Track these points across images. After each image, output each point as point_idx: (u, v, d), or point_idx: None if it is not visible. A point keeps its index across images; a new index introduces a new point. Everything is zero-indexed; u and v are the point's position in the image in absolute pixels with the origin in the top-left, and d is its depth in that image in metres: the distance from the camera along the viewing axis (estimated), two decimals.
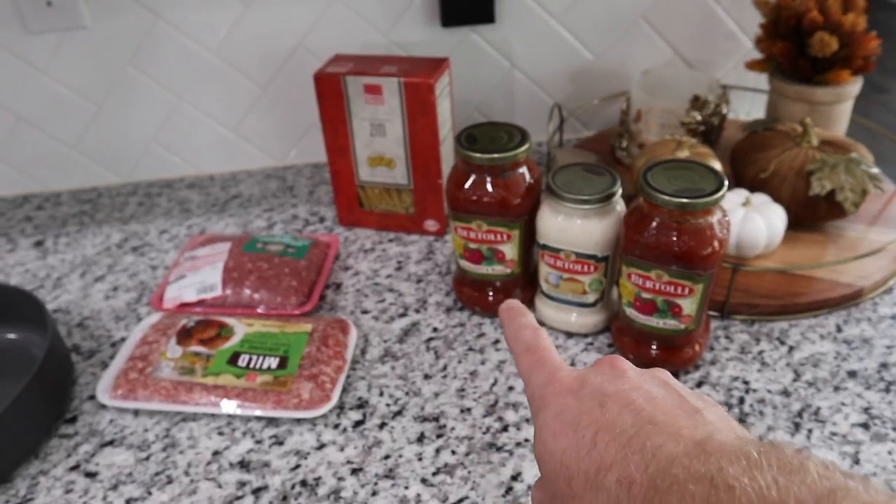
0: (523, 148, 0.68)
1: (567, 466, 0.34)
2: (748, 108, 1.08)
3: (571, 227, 0.67)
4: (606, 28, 0.99)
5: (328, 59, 0.93)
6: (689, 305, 0.63)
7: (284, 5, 0.95)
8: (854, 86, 0.88)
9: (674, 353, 0.67)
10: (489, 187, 0.68)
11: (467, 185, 0.69)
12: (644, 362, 0.68)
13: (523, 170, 0.69)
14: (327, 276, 0.82)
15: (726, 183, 0.61)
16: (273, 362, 0.68)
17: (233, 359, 0.69)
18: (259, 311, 0.77)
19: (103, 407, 0.69)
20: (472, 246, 0.72)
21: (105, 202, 1.03)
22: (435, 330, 0.75)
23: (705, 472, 0.28)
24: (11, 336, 0.76)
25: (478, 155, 0.67)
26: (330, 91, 0.82)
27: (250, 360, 0.69)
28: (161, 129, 1.03)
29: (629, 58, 1.02)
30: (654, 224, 0.62)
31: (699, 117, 0.88)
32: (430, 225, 0.88)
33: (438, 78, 0.79)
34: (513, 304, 0.45)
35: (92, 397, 0.70)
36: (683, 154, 0.81)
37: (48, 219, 1.00)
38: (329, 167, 0.88)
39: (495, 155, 0.67)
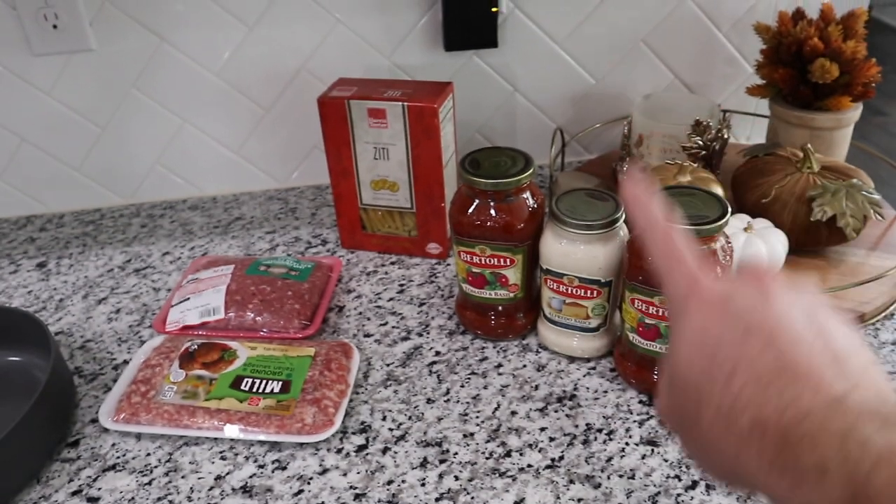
0: (527, 173, 0.68)
1: (700, 392, 0.33)
2: (749, 132, 1.09)
3: (575, 252, 0.67)
4: (608, 52, 1.00)
5: (332, 82, 0.94)
6: None
7: (288, 28, 0.96)
8: (854, 112, 0.89)
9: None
10: (493, 212, 0.69)
11: (471, 210, 0.69)
12: (647, 388, 0.68)
13: (527, 195, 0.70)
14: (330, 299, 0.82)
15: (729, 210, 0.61)
16: (276, 386, 0.68)
17: (236, 382, 0.69)
18: (262, 334, 0.77)
19: (105, 430, 0.68)
20: (476, 270, 0.72)
21: (108, 223, 1.03)
22: (437, 353, 0.75)
23: (839, 428, 0.28)
24: (14, 358, 0.76)
25: (481, 180, 0.68)
26: (334, 115, 0.82)
27: (253, 383, 0.69)
28: (164, 151, 1.03)
29: (630, 82, 1.03)
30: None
31: (700, 142, 0.89)
32: (433, 248, 0.88)
33: (442, 102, 0.80)
34: (637, 193, 0.40)
35: (94, 421, 0.70)
36: (685, 179, 0.82)
37: (51, 240, 1.00)
38: (332, 190, 0.88)
39: (499, 180, 0.67)
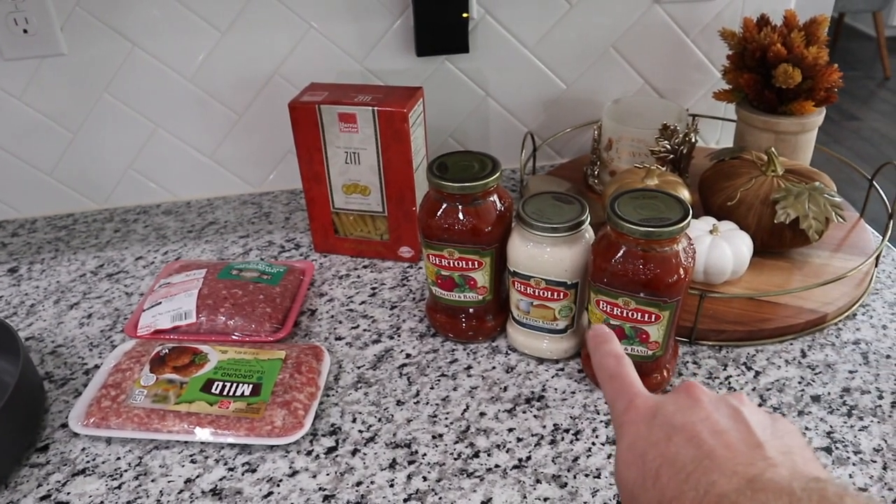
0: (494, 177, 0.69)
1: (635, 497, 0.37)
2: (718, 136, 1.11)
3: (541, 254, 0.68)
4: (578, 58, 1.02)
5: (304, 87, 0.95)
6: (656, 332, 0.65)
7: (261, 33, 0.96)
8: (818, 116, 0.91)
9: (642, 379, 0.68)
10: (461, 216, 0.69)
11: (439, 214, 0.70)
12: None
13: (494, 198, 0.71)
14: (302, 302, 0.83)
15: (691, 212, 0.62)
16: (246, 389, 0.68)
17: (206, 386, 0.69)
18: (233, 337, 0.77)
19: (75, 435, 0.68)
20: (445, 273, 0.73)
21: (81, 228, 1.03)
22: (408, 356, 0.76)
23: None
24: None
25: (449, 184, 0.68)
26: (305, 120, 0.83)
27: (224, 387, 0.69)
28: (138, 156, 1.03)
29: (601, 87, 1.05)
30: (621, 252, 0.63)
31: (668, 146, 0.90)
32: (405, 252, 0.89)
33: (412, 107, 0.81)
34: (599, 331, 0.46)
35: (64, 425, 0.69)
36: (653, 182, 0.83)
37: (23, 245, 1.00)
38: (304, 194, 0.89)
39: (466, 184, 0.68)
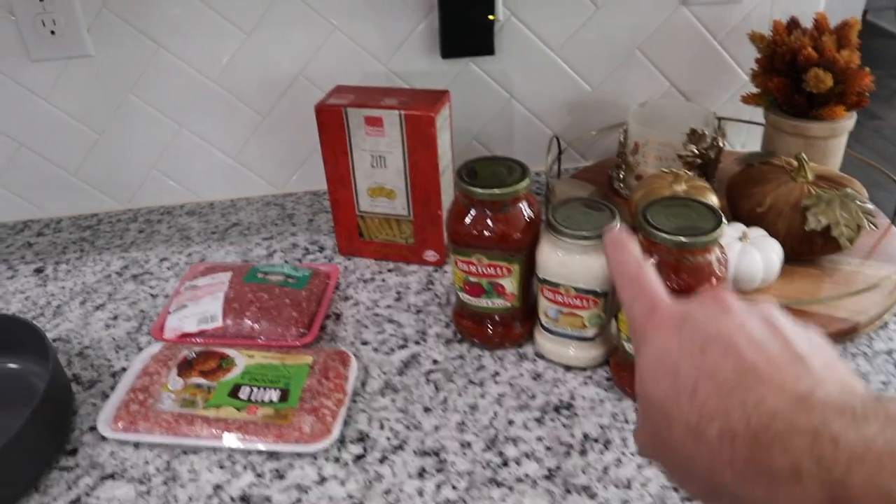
0: (523, 183, 0.68)
1: (667, 413, 0.34)
2: (744, 139, 1.10)
3: (571, 262, 0.67)
4: (604, 60, 1.01)
5: (329, 89, 0.95)
6: None
7: (285, 34, 0.96)
8: (849, 121, 0.89)
9: None
10: (489, 222, 0.69)
11: (467, 220, 0.70)
12: None
13: (523, 204, 0.70)
14: (327, 306, 0.82)
15: (725, 221, 0.62)
16: (274, 395, 0.68)
17: (234, 391, 0.69)
18: (259, 342, 0.77)
19: (104, 439, 0.68)
20: (473, 279, 0.72)
21: (105, 229, 1.03)
22: (435, 362, 0.76)
23: (808, 425, 0.28)
24: (12, 366, 0.76)
25: (478, 190, 0.68)
26: (331, 122, 0.83)
27: (251, 392, 0.69)
28: (162, 156, 1.04)
29: (626, 89, 1.04)
30: (652, 261, 0.62)
31: (696, 150, 0.89)
32: (430, 255, 0.89)
33: (439, 111, 0.80)
34: (618, 236, 0.43)
35: (93, 429, 0.70)
36: (680, 188, 0.82)
37: (48, 245, 1.00)
38: (329, 197, 0.88)
39: (495, 190, 0.68)
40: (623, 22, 0.98)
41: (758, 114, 1.00)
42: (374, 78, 0.99)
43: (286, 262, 0.92)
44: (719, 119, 0.96)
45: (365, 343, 0.79)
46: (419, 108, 0.80)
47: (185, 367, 0.72)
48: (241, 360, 0.73)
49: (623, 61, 1.01)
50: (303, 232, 0.99)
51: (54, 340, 0.83)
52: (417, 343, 0.78)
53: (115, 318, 0.85)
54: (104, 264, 0.95)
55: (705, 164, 0.91)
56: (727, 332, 0.34)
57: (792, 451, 0.28)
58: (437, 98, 0.82)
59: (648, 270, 0.41)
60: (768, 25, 1.00)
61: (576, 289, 0.68)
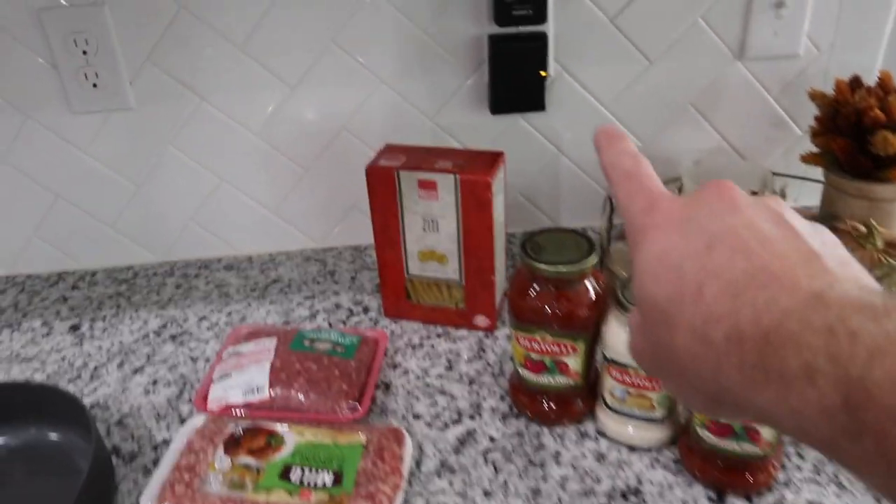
0: (591, 259, 0.65)
1: (670, 316, 0.31)
2: (796, 194, 1.06)
3: None
4: (655, 115, 0.98)
5: (373, 143, 0.93)
6: (769, 431, 0.61)
7: (330, 88, 0.94)
8: None
9: (744, 476, 0.64)
10: (555, 299, 0.66)
11: (532, 295, 0.67)
12: (715, 483, 0.65)
13: (590, 280, 0.67)
14: (377, 376, 0.79)
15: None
16: (327, 478, 0.65)
17: (284, 472, 0.66)
18: (308, 415, 0.74)
19: None
20: (535, 357, 0.69)
21: (142, 283, 1.01)
22: (492, 440, 0.72)
23: (824, 322, 0.25)
24: (53, 437, 0.74)
25: (544, 267, 0.65)
26: (382, 184, 0.80)
27: (303, 474, 0.66)
28: (200, 209, 1.01)
29: (677, 144, 1.01)
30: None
31: None
32: (481, 321, 0.85)
33: (495, 174, 0.77)
34: (610, 129, 0.40)
35: None
36: None
37: (83, 300, 0.98)
38: (377, 259, 0.86)
39: (562, 268, 0.65)
40: (676, 76, 0.95)
41: (812, 170, 0.96)
42: (420, 132, 0.96)
43: (330, 324, 0.89)
44: (774, 174, 0.93)
45: (417, 417, 0.75)
46: (475, 171, 0.77)
47: (233, 445, 0.69)
48: (291, 437, 0.70)
49: (675, 116, 0.99)
50: (346, 291, 0.96)
51: (92, 407, 0.80)
52: (472, 418, 0.75)
53: (155, 382, 0.83)
54: (141, 322, 0.93)
55: None
56: (735, 230, 0.31)
57: (806, 350, 0.25)
58: (492, 160, 0.79)
59: (646, 164, 0.37)
60: (824, 80, 0.98)
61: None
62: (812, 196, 1.00)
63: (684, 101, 0.98)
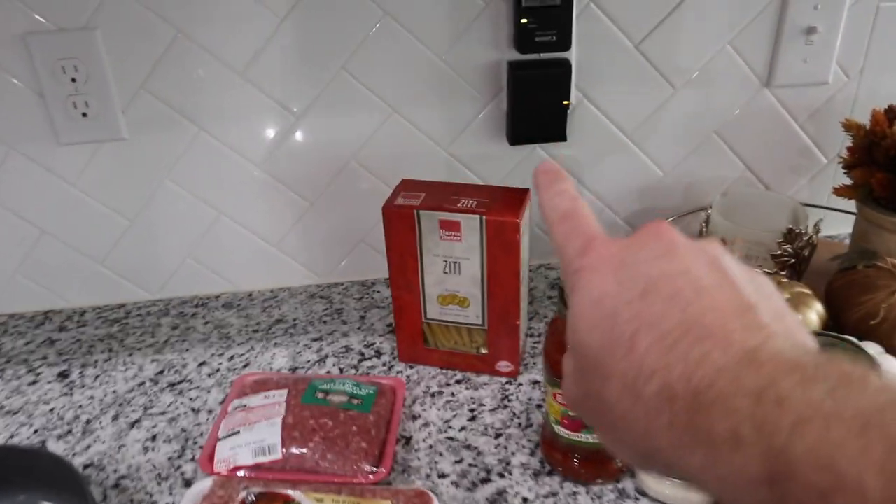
0: None
1: (602, 365, 0.30)
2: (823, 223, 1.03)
3: None
4: (679, 144, 0.94)
5: (381, 173, 0.88)
6: None
7: (338, 118, 0.88)
8: None
9: None
10: None
11: None
12: None
13: None
14: (397, 431, 0.74)
15: (881, 367, 0.54)
16: None
17: None
18: (325, 478, 0.68)
19: None
20: (573, 414, 0.64)
21: (135, 323, 0.94)
22: (525, 501, 0.67)
23: (754, 385, 0.25)
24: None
25: None
26: (400, 224, 0.75)
27: None
28: (197, 244, 0.95)
29: (699, 174, 0.97)
30: None
31: (791, 250, 0.82)
32: (504, 366, 0.80)
33: (522, 214, 0.72)
34: (549, 167, 0.39)
35: None
36: (784, 296, 0.75)
37: (72, 343, 0.91)
38: (393, 302, 0.80)
39: None
40: (701, 104, 0.91)
41: (837, 199, 0.93)
42: (433, 163, 0.91)
43: (341, 370, 0.83)
44: (804, 205, 0.89)
45: (442, 476, 0.70)
46: (501, 211, 0.72)
47: None
48: None
49: (698, 145, 0.94)
50: (355, 332, 0.90)
51: (85, 467, 0.73)
52: (502, 476, 0.70)
53: (154, 438, 0.76)
54: (136, 369, 0.86)
55: (798, 263, 0.84)
56: (671, 276, 0.30)
57: (733, 414, 0.25)
58: (518, 198, 0.74)
59: (582, 205, 0.37)
60: (852, 107, 0.94)
61: None
62: (837, 226, 0.97)
63: (709, 129, 0.94)
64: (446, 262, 0.75)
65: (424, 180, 0.79)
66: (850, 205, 0.90)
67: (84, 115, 0.85)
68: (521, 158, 0.92)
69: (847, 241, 0.91)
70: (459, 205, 0.73)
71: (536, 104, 0.85)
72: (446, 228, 0.73)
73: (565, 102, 0.85)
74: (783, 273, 0.83)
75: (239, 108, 0.87)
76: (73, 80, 0.83)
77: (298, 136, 0.89)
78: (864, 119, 0.83)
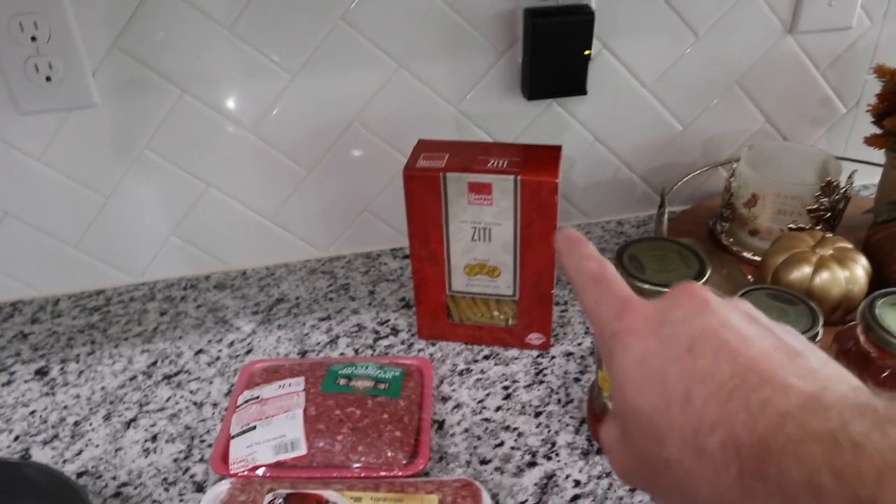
0: (704, 277, 0.55)
1: (658, 426, 0.29)
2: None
3: None
4: (699, 96, 0.89)
5: (387, 135, 0.80)
6: None
7: (339, 75, 0.80)
8: None
9: None
10: None
11: None
12: None
13: None
14: (430, 415, 0.67)
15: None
16: None
17: None
18: (358, 473, 0.62)
19: None
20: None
21: (118, 311, 0.85)
22: (577, 483, 0.62)
23: (826, 429, 0.23)
24: None
25: (650, 287, 0.55)
26: (423, 190, 0.67)
27: None
28: (183, 220, 0.86)
29: (719, 127, 0.92)
30: (884, 375, 0.50)
31: (827, 203, 0.78)
32: (535, 338, 0.74)
33: (559, 173, 0.66)
34: (572, 233, 0.38)
35: None
36: (827, 252, 0.71)
37: (48, 336, 0.82)
38: (413, 275, 0.73)
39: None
40: (723, 53, 0.86)
41: (864, 149, 0.89)
42: (442, 122, 0.84)
43: (356, 351, 0.77)
44: (838, 158, 0.85)
45: (484, 462, 0.64)
46: (537, 171, 0.65)
47: None
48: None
49: (719, 97, 0.89)
50: (366, 308, 0.83)
51: (79, 475, 0.65)
52: (548, 458, 0.64)
53: (154, 438, 0.68)
54: (125, 361, 0.78)
55: (832, 217, 0.80)
56: (713, 330, 0.29)
57: (807, 461, 0.24)
58: (551, 156, 0.68)
59: (611, 268, 0.36)
60: (873, 55, 0.90)
61: None
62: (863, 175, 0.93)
63: (730, 79, 0.89)
64: (475, 228, 0.69)
65: (444, 140, 0.72)
66: (874, 156, 0.86)
67: (48, 79, 0.75)
68: (536, 115, 0.86)
69: (875, 197, 0.88)
70: (489, 165, 0.66)
71: (556, 55, 0.78)
72: (476, 192, 0.67)
73: (586, 53, 0.79)
74: (818, 228, 0.79)
75: (226, 67, 0.78)
76: (34, 38, 0.73)
77: (294, 96, 0.80)
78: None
